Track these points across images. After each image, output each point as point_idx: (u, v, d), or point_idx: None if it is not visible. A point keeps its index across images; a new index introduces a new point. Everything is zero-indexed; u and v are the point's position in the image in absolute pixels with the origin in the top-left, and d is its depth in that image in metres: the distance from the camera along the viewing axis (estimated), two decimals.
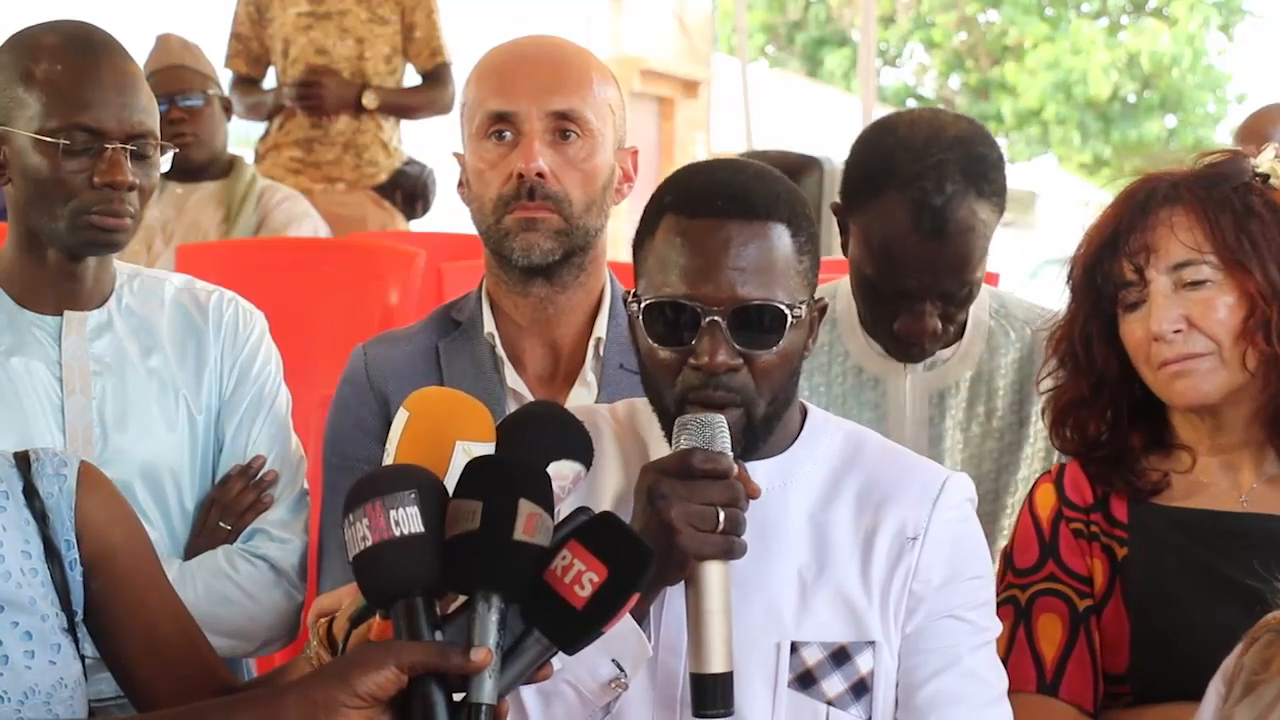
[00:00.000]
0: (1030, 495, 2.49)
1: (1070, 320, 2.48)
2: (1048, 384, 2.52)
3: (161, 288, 2.72)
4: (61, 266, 2.61)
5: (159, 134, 2.60)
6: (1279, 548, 2.28)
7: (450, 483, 1.87)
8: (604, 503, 2.15)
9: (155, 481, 2.63)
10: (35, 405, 2.58)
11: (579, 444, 1.98)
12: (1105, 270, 2.42)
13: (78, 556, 2.07)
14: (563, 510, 1.89)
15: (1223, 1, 29.05)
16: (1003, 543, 2.73)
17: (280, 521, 2.68)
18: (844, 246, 2.69)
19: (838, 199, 2.69)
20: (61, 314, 2.62)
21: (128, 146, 2.54)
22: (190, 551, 2.66)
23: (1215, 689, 2.03)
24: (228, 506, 2.66)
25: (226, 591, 2.61)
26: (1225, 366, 2.36)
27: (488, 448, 1.92)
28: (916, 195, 2.54)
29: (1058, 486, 2.46)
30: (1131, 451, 2.46)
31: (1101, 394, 2.45)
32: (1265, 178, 2.42)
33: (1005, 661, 2.36)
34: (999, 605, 2.42)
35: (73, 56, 2.54)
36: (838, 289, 2.76)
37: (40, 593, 2.05)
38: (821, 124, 21.32)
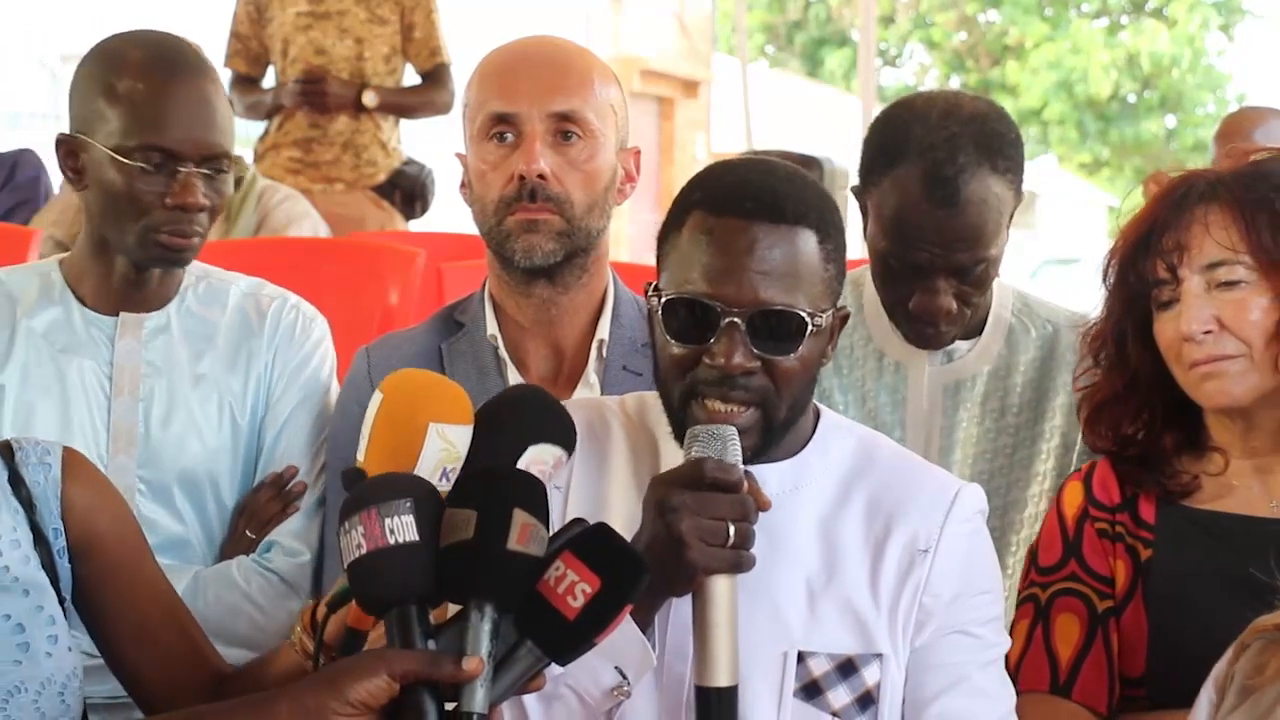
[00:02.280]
0: (1059, 493, 2.47)
1: (1105, 318, 2.45)
2: (1084, 381, 2.50)
3: (227, 291, 2.73)
4: (128, 273, 2.64)
5: (232, 151, 2.62)
6: None
7: (423, 465, 1.86)
8: (611, 497, 2.14)
9: (193, 484, 2.65)
10: (81, 403, 2.61)
11: (560, 428, 1.97)
12: (1139, 268, 2.38)
13: (65, 544, 2.08)
14: (556, 503, 1.89)
15: (1223, 1, 29.07)
16: (1014, 538, 2.73)
17: (294, 533, 2.68)
18: (866, 229, 2.70)
19: (856, 181, 2.70)
20: (119, 315, 2.65)
21: (201, 170, 2.55)
22: (224, 557, 2.67)
23: (1206, 695, 2.02)
24: (255, 515, 2.68)
25: (236, 603, 2.61)
26: (1256, 369, 2.32)
27: (464, 430, 1.91)
28: (928, 166, 2.55)
29: (1086, 485, 2.44)
30: (1163, 452, 2.43)
31: (1136, 393, 2.43)
32: None
33: (1021, 660, 2.36)
34: (1021, 603, 2.42)
35: (155, 75, 2.55)
36: (865, 274, 2.76)
37: (45, 579, 2.06)
38: (821, 124, 21.34)
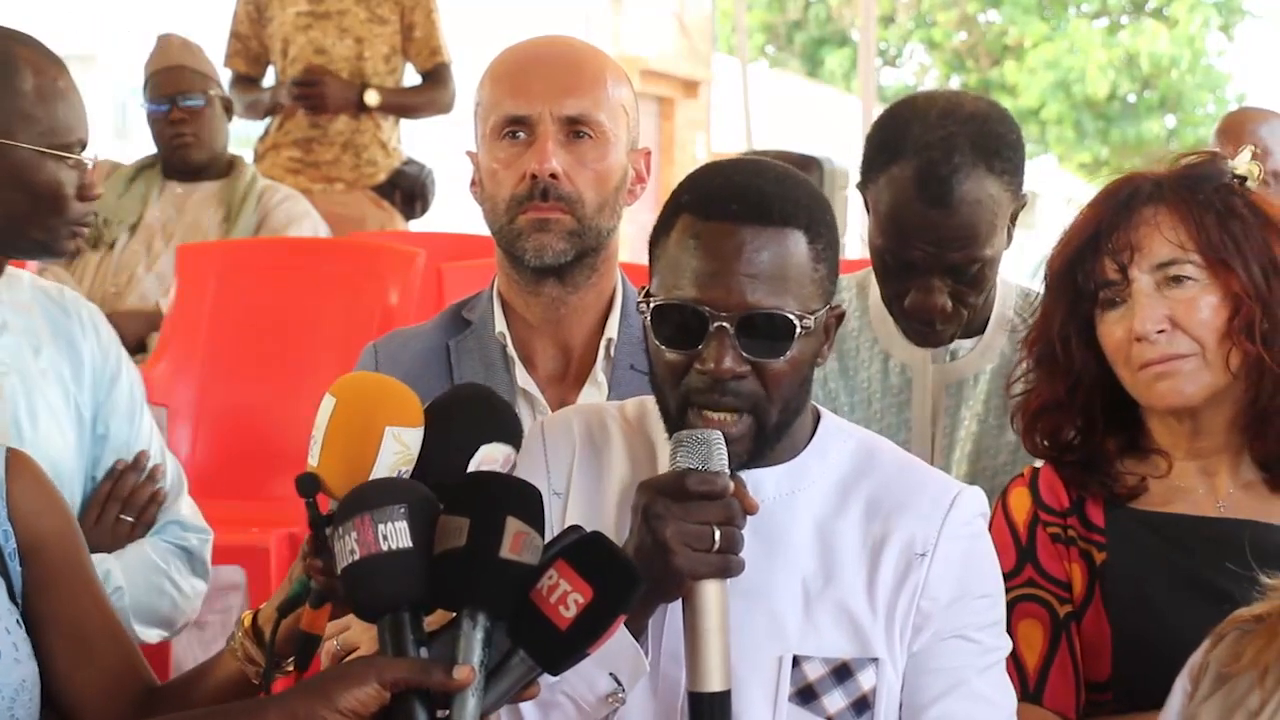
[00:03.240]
0: (1003, 499, 2.44)
1: (1047, 321, 2.44)
2: (1019, 387, 2.49)
3: (20, 284, 2.71)
4: None
5: None
6: (1256, 552, 2.22)
7: (379, 468, 1.85)
8: (609, 504, 2.13)
9: (60, 479, 2.62)
10: None
11: (508, 427, 1.97)
12: (1087, 269, 2.38)
13: (15, 546, 2.05)
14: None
15: (1223, 2, 29.04)
16: None
17: (189, 514, 2.76)
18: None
19: (859, 179, 2.70)
20: None
21: (95, 160, 2.60)
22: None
23: (1181, 685, 2.02)
24: (128, 501, 2.69)
25: (161, 583, 2.67)
26: (1208, 368, 2.33)
27: (417, 432, 1.90)
28: (923, 164, 2.55)
29: (1033, 490, 2.42)
30: (1106, 455, 2.42)
31: (1077, 396, 2.42)
32: (1243, 179, 2.40)
33: None
34: None
35: (58, 72, 2.56)
36: (870, 276, 2.76)
37: None
38: (821, 124, 21.31)
